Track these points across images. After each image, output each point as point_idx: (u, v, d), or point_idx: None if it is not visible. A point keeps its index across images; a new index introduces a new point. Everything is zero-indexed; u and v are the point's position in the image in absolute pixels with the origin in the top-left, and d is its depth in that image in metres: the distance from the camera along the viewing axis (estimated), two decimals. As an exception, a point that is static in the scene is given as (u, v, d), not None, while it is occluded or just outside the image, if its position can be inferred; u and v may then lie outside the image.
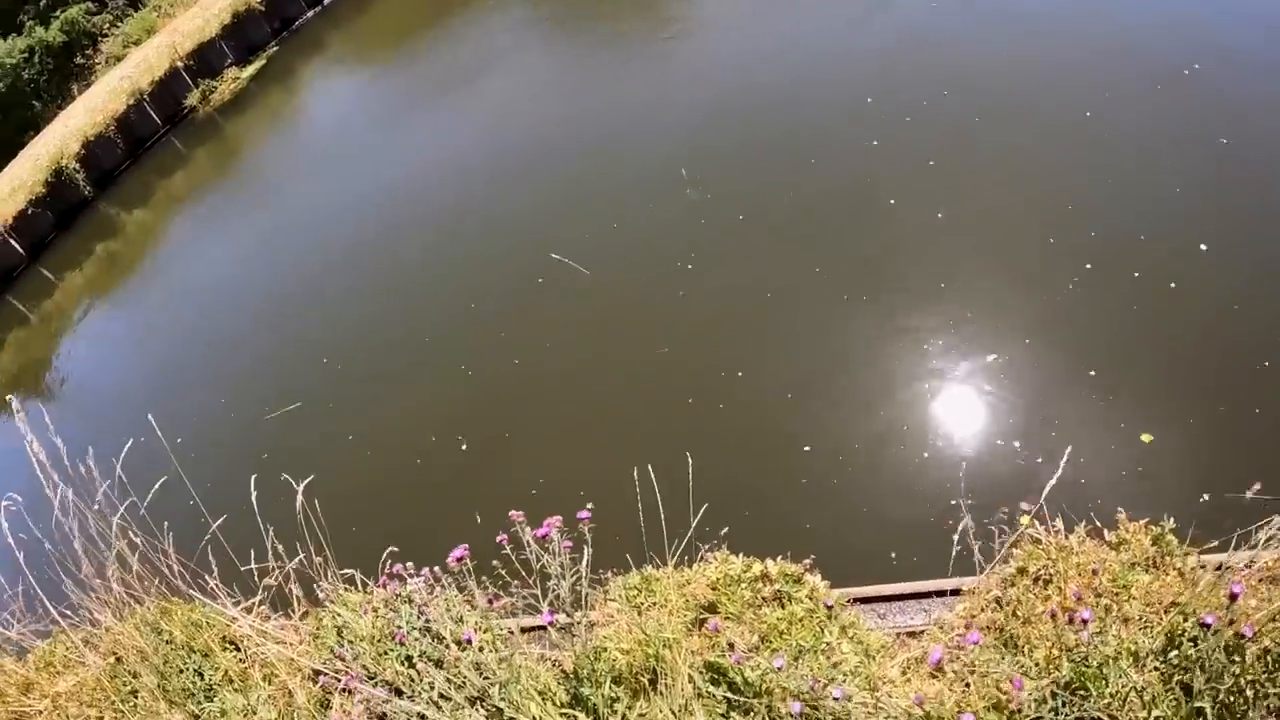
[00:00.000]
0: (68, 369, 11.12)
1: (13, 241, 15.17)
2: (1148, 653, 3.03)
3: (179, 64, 17.31)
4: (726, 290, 6.54)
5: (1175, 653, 3.06)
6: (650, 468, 3.37)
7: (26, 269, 14.76)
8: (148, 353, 10.16)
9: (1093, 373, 5.00)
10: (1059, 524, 3.56)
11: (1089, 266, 5.59)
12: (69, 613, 4.80)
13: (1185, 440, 4.44)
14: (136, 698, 4.45)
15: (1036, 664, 3.15)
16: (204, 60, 17.63)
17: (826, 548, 4.39)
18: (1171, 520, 3.47)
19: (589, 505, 3.13)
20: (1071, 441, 4.68)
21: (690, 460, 4.86)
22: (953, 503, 4.51)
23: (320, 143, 13.73)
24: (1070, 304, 5.42)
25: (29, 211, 15.43)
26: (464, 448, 6.18)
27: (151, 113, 17.34)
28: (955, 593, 3.41)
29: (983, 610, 3.42)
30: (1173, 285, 5.33)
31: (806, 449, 5.21)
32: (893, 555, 3.69)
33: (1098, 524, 3.62)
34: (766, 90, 8.63)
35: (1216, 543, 3.39)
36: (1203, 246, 5.48)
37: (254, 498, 3.69)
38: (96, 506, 4.23)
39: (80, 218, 15.67)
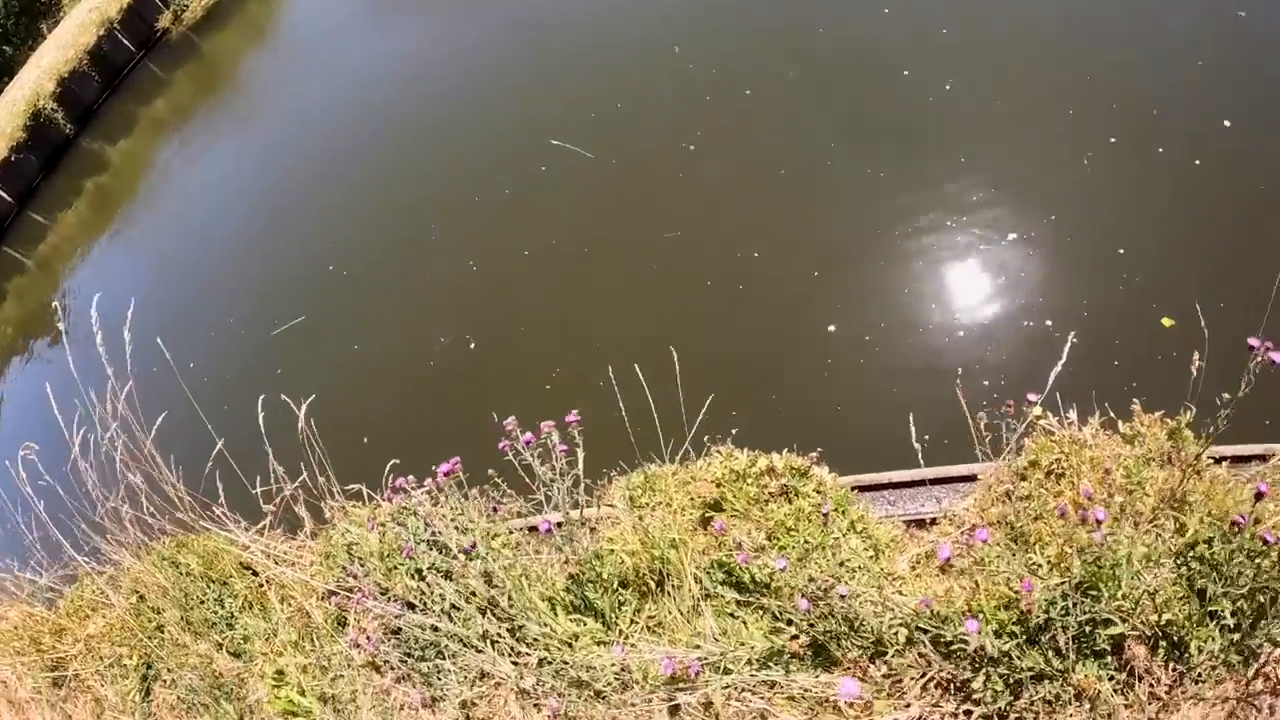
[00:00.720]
0: (73, 309, 11.05)
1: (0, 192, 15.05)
2: (1161, 554, 2.96)
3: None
4: (736, 170, 6.25)
5: (1192, 553, 2.99)
6: (674, 352, 3.30)
7: (17, 216, 14.63)
8: (152, 281, 9.97)
9: (1121, 251, 4.79)
10: (1073, 415, 3.47)
11: (1112, 140, 5.34)
12: (90, 559, 4.89)
13: (1208, 327, 4.29)
14: (163, 633, 4.55)
15: (1048, 560, 3.09)
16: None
17: (845, 433, 4.33)
18: (1189, 413, 3.36)
19: (606, 395, 3.07)
20: (1091, 324, 4.55)
21: (704, 348, 4.77)
22: (958, 381, 4.41)
23: (303, 50, 13.32)
24: (1093, 180, 5.19)
25: (12, 159, 15.17)
26: (472, 347, 6.04)
27: (124, 40, 16.87)
28: (968, 479, 3.35)
29: (993, 504, 3.36)
30: (1197, 162, 5.10)
31: (831, 329, 5.08)
32: (915, 442, 3.57)
33: (1112, 415, 3.52)
34: None
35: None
36: (1226, 123, 5.25)
37: (260, 420, 3.67)
38: (106, 447, 4.24)
39: (65, 157, 15.43)
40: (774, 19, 7.36)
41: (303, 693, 3.98)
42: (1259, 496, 2.71)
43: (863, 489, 3.25)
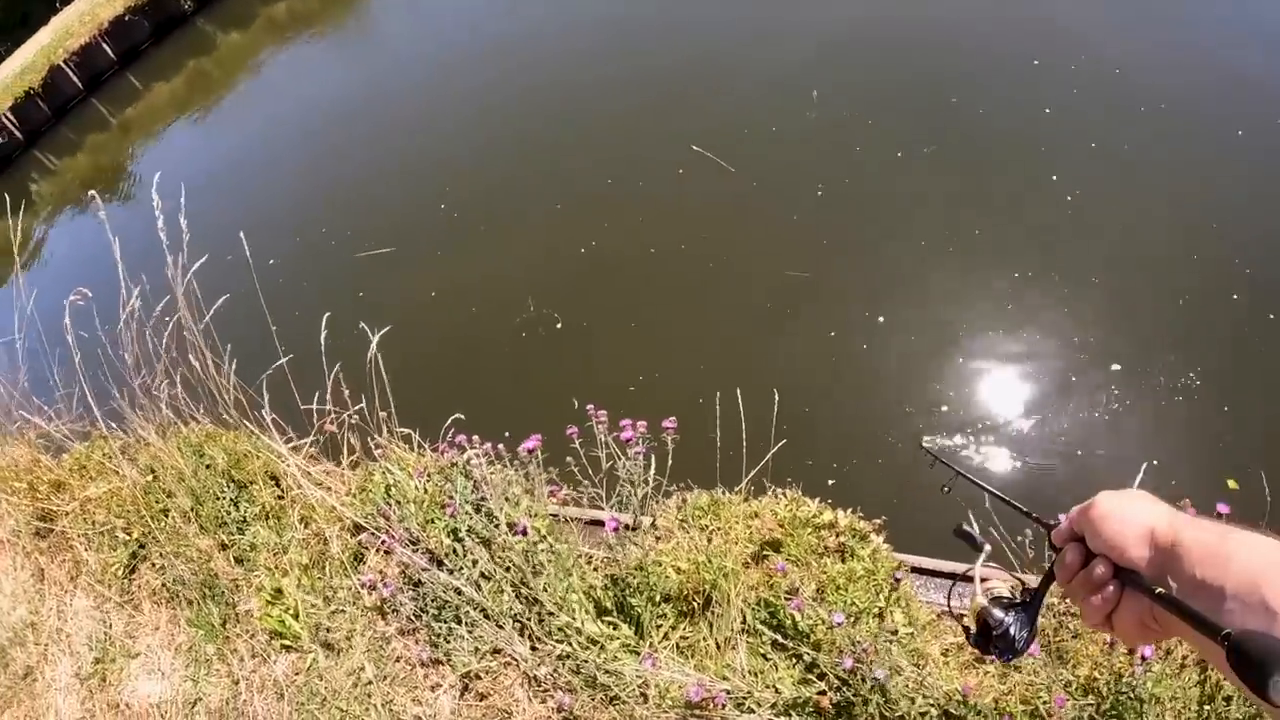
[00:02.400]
0: (146, 176, 10.89)
1: (105, 46, 14.96)
2: (1188, 700, 2.96)
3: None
4: (873, 228, 6.12)
5: (1210, 706, 2.99)
6: (775, 393, 3.25)
7: (115, 74, 14.58)
8: (238, 172, 9.82)
9: (1226, 407, 4.76)
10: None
11: (1234, 297, 5.30)
12: (113, 423, 4.81)
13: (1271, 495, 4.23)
14: (167, 517, 4.48)
15: (1078, 680, 3.09)
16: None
17: (910, 511, 4.29)
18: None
19: (672, 416, 3.03)
20: (1163, 467, 4.53)
21: (804, 393, 4.67)
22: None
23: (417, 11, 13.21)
24: (1210, 332, 5.15)
25: (125, 18, 15.16)
26: (559, 326, 5.93)
27: None
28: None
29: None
30: (1269, 317, 5.09)
31: (944, 409, 5.01)
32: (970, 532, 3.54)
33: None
34: (925, 25, 8.01)
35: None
36: None
37: (323, 339, 3.60)
38: (170, 316, 4.17)
39: (176, 32, 15.37)
40: (916, 89, 7.22)
41: (296, 616, 3.93)
42: None
43: (913, 570, 3.22)
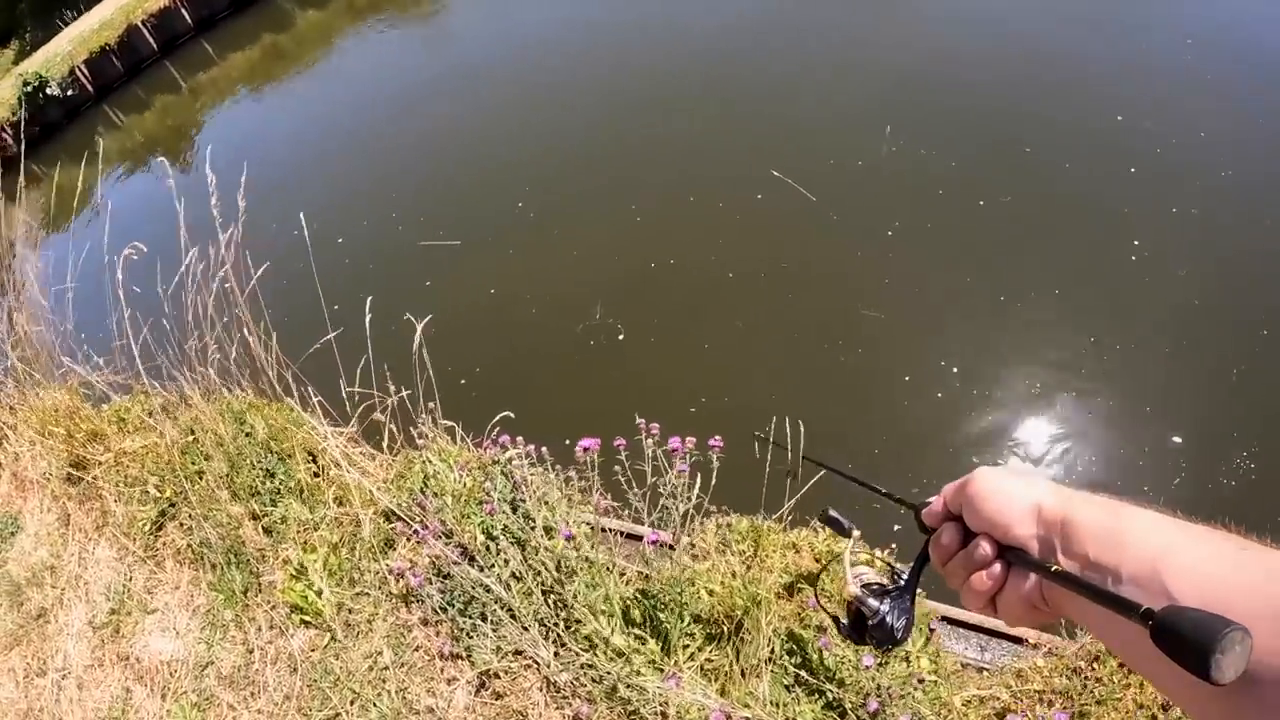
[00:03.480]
0: (214, 143, 10.99)
1: (185, 12, 15.14)
2: None
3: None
4: (951, 273, 6.08)
5: None
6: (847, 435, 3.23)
7: (191, 40, 14.76)
8: (308, 150, 9.86)
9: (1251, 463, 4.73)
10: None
11: None
12: (155, 384, 4.87)
13: None
14: (201, 479, 4.53)
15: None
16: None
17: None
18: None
19: (719, 435, 3.03)
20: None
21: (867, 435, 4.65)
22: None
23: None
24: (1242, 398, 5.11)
25: None
26: (621, 338, 5.93)
27: None
28: (1021, 642, 3.32)
29: (1060, 674, 3.32)
30: None
31: (1000, 462, 5.00)
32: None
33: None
34: (1004, 64, 7.97)
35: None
36: None
37: (367, 323, 3.63)
38: (217, 283, 4.22)
39: (255, 5, 15.53)
40: (1014, 141, 7.14)
41: (319, 593, 3.96)
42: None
43: (943, 619, 3.21)
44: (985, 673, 3.45)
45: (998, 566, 0.88)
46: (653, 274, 6.38)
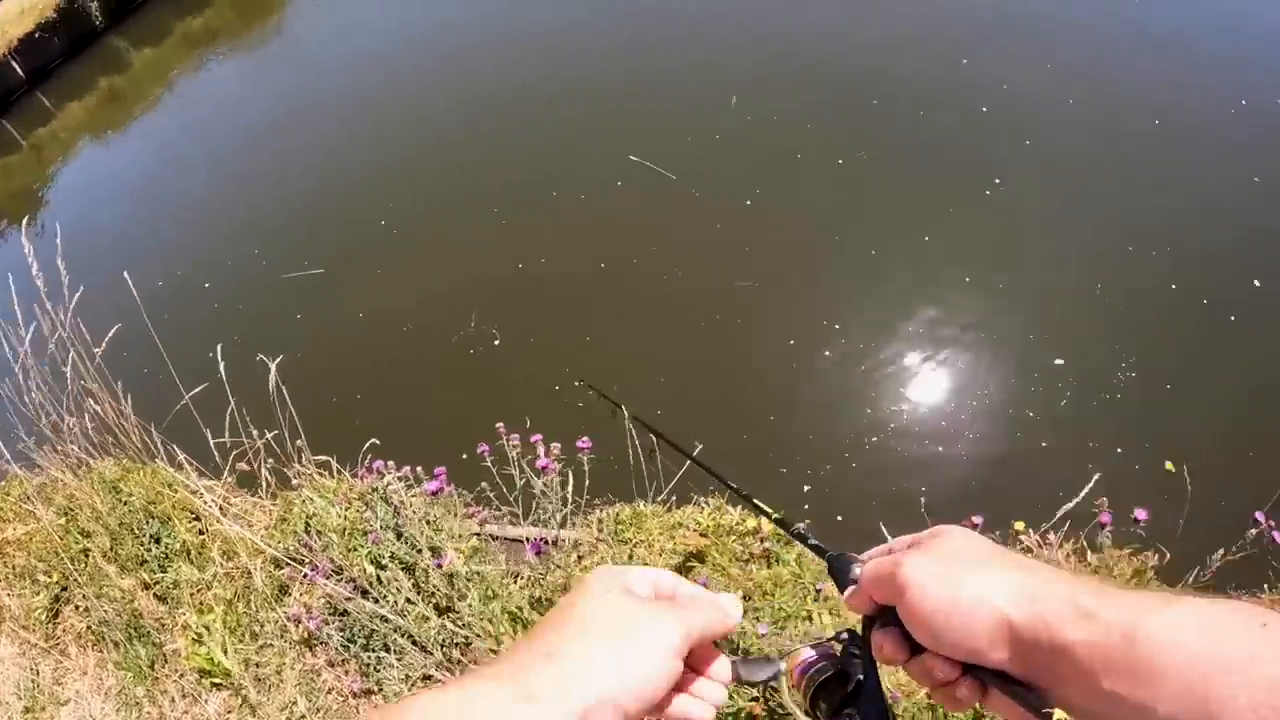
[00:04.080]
0: (60, 202, 10.40)
1: (15, 65, 14.35)
2: None
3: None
4: (821, 235, 6.06)
5: None
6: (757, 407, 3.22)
7: (26, 94, 13.99)
8: (163, 193, 9.36)
9: (1166, 390, 4.85)
10: (1052, 538, 3.51)
11: (1173, 287, 5.40)
12: (22, 465, 4.63)
13: (1211, 479, 4.32)
14: (87, 558, 4.34)
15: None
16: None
17: (831, 514, 4.32)
18: (1157, 557, 3.42)
19: (586, 437, 3.00)
20: (1102, 450, 4.61)
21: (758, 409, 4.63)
22: (923, 489, 4.44)
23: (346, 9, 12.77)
24: (1149, 322, 5.24)
25: (36, 35, 14.48)
26: (497, 343, 5.79)
27: None
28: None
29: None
30: (1232, 319, 5.21)
31: (892, 427, 5.01)
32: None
33: (1086, 544, 3.55)
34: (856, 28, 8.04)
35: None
36: (1256, 283, 5.40)
37: (222, 370, 3.50)
38: (62, 353, 4.02)
39: (89, 49, 14.76)
40: (868, 97, 7.18)
41: (225, 652, 3.83)
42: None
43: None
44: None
45: (967, 688, 0.71)
46: (523, 275, 6.28)
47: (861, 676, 0.80)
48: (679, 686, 0.71)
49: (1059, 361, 5.08)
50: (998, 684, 0.67)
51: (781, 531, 3.33)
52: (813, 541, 0.98)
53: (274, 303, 6.68)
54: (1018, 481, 4.57)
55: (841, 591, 0.84)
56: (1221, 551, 3.27)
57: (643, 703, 0.65)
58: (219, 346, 3.56)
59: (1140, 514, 2.97)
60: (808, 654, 0.84)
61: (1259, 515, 3.19)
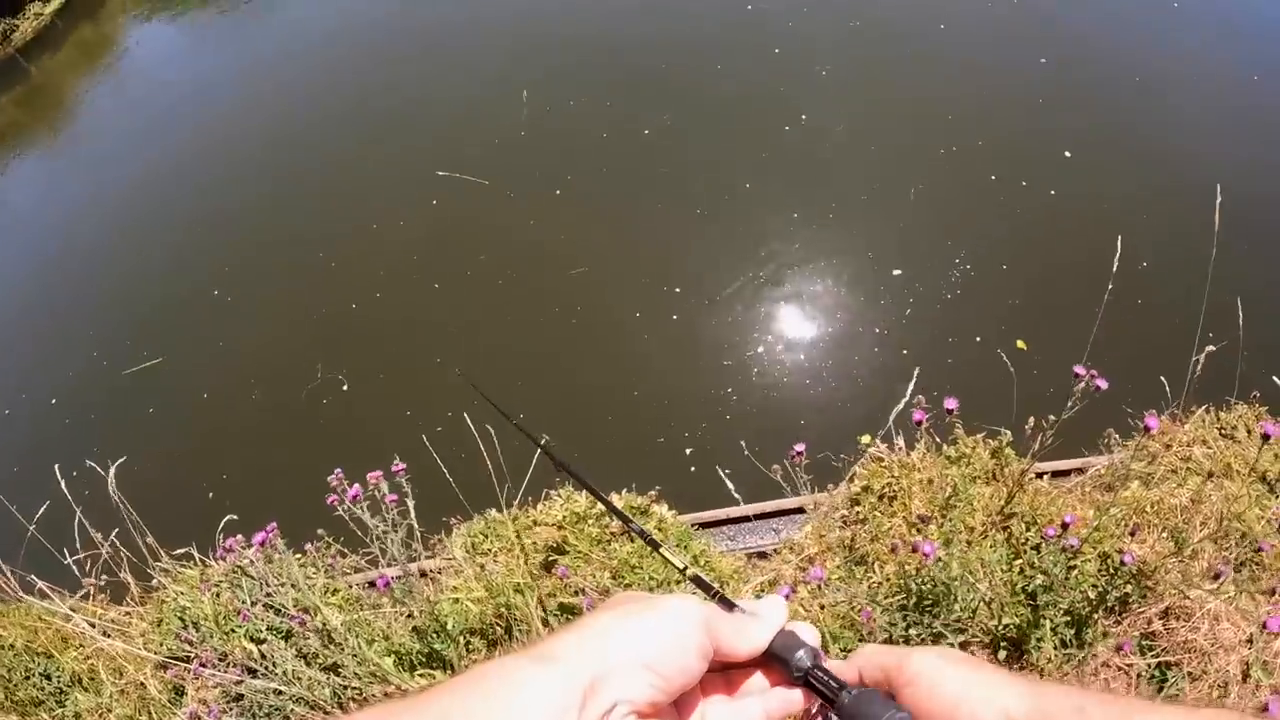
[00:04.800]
0: None
1: None
2: (992, 564, 3.14)
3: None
4: (646, 204, 6.16)
5: (1019, 561, 3.20)
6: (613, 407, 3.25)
7: None
8: None
9: (1004, 273, 5.00)
10: (901, 441, 3.65)
11: (992, 177, 5.62)
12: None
13: (1049, 352, 4.51)
14: (-17, 712, 4.18)
15: (887, 579, 3.23)
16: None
17: (684, 473, 4.41)
18: (1008, 433, 3.59)
19: (401, 463, 3.01)
20: (961, 343, 4.79)
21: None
22: (802, 422, 4.59)
23: (145, 74, 12.32)
24: (982, 213, 5.47)
25: None
26: (345, 388, 5.73)
27: None
28: (801, 511, 3.47)
29: (831, 530, 3.50)
30: (1052, 192, 5.46)
31: (756, 371, 5.07)
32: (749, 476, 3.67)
33: (937, 440, 3.71)
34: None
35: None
36: (1067, 154, 5.68)
37: (64, 486, 3.43)
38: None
39: None
40: (664, 64, 7.31)
41: (141, 769, 3.74)
42: (1064, 527, 2.91)
43: (703, 525, 3.32)
44: (774, 554, 3.59)
45: None
46: (359, 314, 6.26)
47: None
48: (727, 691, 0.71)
49: (897, 272, 5.28)
50: None
51: (636, 504, 3.41)
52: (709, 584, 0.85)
53: (125, 403, 6.46)
54: (883, 396, 4.73)
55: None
56: (1052, 417, 3.43)
57: (666, 673, 0.63)
58: (56, 466, 3.49)
59: (950, 404, 3.10)
60: None
61: (1079, 369, 3.30)
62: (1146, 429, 2.93)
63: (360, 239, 6.86)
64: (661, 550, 0.85)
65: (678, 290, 5.54)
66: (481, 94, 7.87)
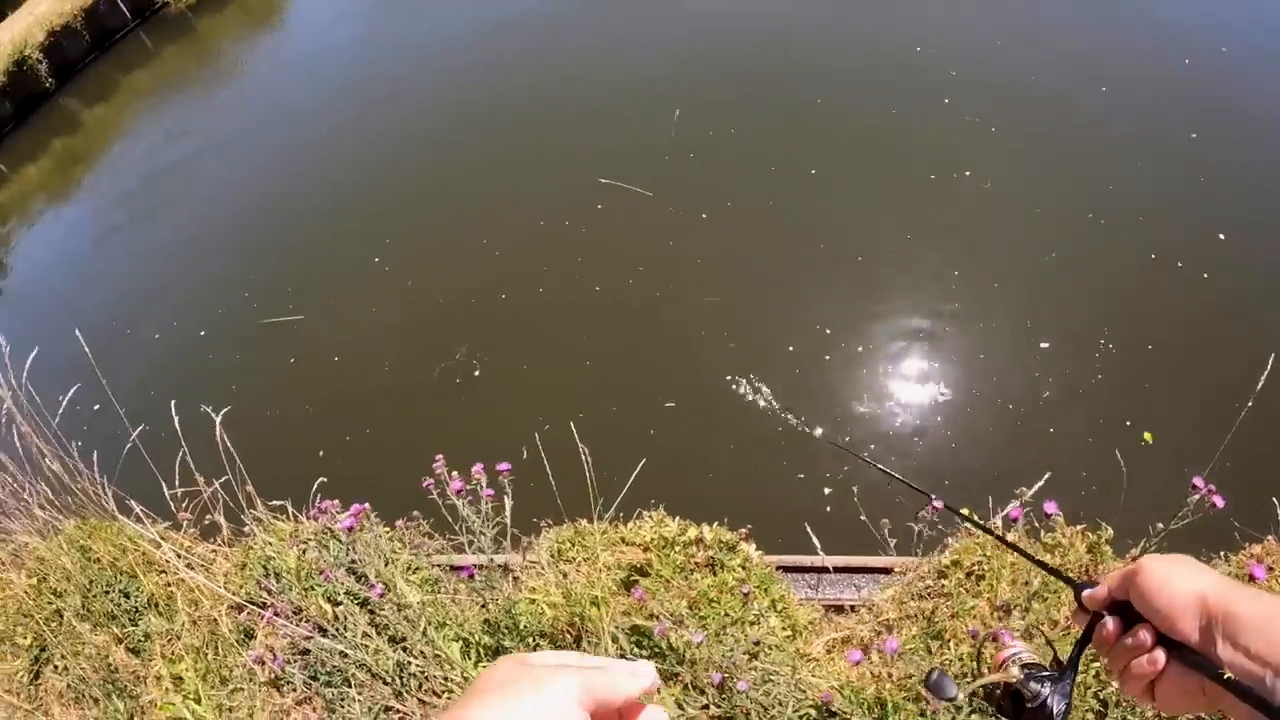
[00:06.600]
0: (22, 268, 10.40)
1: None
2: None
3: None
4: (799, 243, 6.21)
5: (1096, 665, 3.09)
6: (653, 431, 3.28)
7: None
8: (134, 248, 9.36)
9: (1142, 372, 4.90)
10: (998, 519, 3.55)
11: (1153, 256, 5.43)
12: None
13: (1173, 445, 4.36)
14: (61, 618, 4.38)
15: (960, 659, 3.15)
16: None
17: (777, 513, 4.36)
18: (1109, 529, 3.46)
19: (507, 462, 3.04)
20: (1058, 453, 4.68)
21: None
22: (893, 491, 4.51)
23: (310, 43, 12.80)
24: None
25: None
26: (477, 374, 5.79)
27: (122, 6, 16.57)
28: (888, 571, 3.40)
29: (912, 598, 3.42)
30: (1202, 274, 5.27)
31: (901, 421, 5.05)
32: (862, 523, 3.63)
33: (1036, 524, 3.60)
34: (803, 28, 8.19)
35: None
36: (1221, 235, 5.50)
37: (176, 422, 3.57)
38: (23, 425, 4.09)
39: (40, 110, 14.87)
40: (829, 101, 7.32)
41: (198, 700, 3.87)
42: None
43: (786, 569, 3.28)
44: (850, 610, 3.53)
45: (1160, 654, 0.90)
46: (508, 303, 6.33)
47: (1054, 676, 1.03)
48: None
49: (1045, 345, 5.17)
50: (1179, 654, 0.88)
51: (725, 538, 3.39)
52: (1065, 574, 1.16)
53: (269, 350, 6.68)
54: (1010, 471, 4.62)
55: (1080, 608, 1.05)
56: (1160, 525, 3.31)
57: None
58: (173, 402, 3.64)
59: (1050, 508, 3.01)
60: (1019, 646, 1.13)
61: (1197, 481, 3.19)
62: (1251, 578, 2.83)
63: (525, 232, 6.99)
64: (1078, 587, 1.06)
65: (828, 332, 5.52)
66: (647, 103, 7.97)
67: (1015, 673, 1.04)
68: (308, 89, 11.00)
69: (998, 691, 1.07)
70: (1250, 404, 3.45)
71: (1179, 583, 0.89)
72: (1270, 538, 4.05)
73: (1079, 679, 2.84)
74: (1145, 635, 0.91)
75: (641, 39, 9.08)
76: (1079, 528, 3.63)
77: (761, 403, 5.22)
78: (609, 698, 0.71)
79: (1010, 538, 3.60)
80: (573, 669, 0.71)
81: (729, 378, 5.37)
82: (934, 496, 1.17)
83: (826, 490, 4.65)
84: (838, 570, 3.37)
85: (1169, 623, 0.89)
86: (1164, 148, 6.21)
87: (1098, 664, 3.04)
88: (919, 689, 3.03)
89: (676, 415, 5.17)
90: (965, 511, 1.35)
